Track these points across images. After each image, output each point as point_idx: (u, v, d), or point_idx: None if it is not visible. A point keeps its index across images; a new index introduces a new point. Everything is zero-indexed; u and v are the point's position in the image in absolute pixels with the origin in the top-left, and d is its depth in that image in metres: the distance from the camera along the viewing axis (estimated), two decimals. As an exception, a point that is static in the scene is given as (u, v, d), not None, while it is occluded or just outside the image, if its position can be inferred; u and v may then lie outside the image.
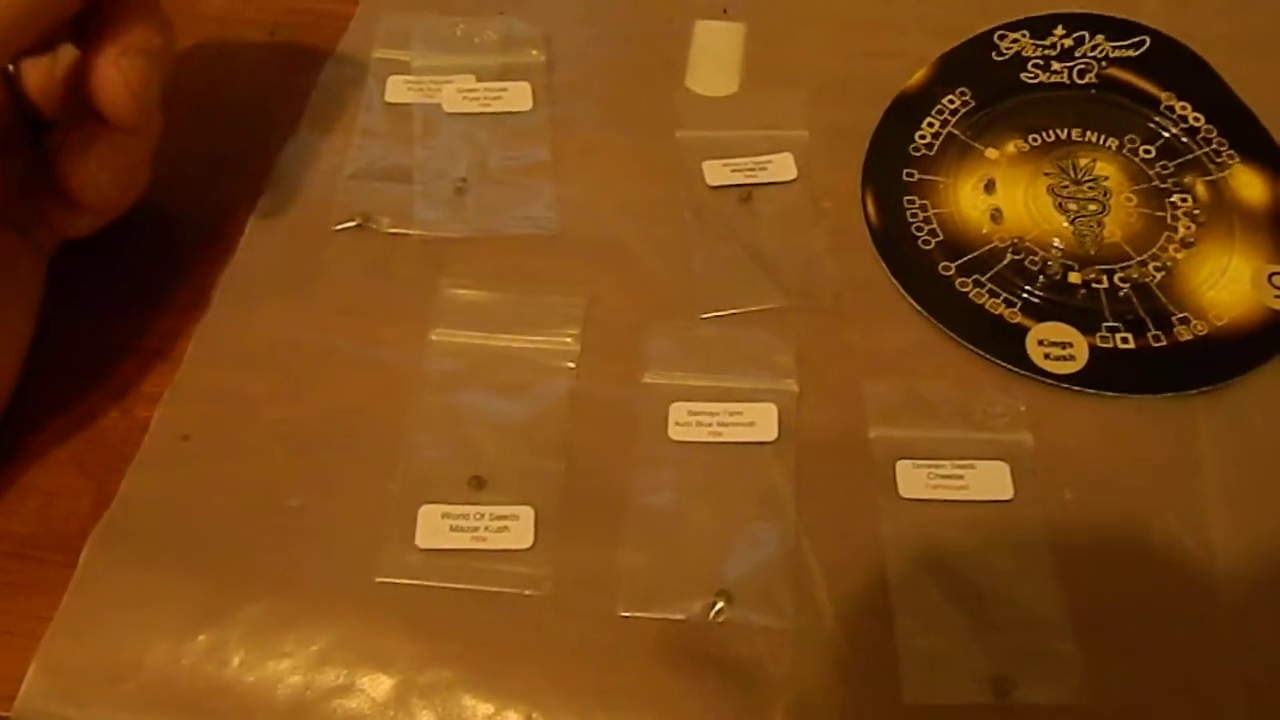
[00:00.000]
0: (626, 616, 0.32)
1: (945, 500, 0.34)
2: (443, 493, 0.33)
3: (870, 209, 0.40)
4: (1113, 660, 0.31)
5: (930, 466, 0.34)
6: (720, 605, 0.31)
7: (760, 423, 0.35)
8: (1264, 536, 0.33)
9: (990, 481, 0.34)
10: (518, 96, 0.42)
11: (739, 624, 0.31)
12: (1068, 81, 0.43)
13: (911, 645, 0.31)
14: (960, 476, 0.34)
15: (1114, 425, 0.35)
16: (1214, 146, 0.41)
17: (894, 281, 0.38)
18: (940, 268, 0.38)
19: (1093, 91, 0.42)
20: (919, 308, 0.37)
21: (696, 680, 0.31)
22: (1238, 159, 0.41)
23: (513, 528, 0.33)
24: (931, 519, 0.33)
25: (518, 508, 0.33)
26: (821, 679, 0.31)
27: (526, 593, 0.32)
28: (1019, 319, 0.37)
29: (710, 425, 0.35)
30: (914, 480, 0.34)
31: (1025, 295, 0.38)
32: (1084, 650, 0.31)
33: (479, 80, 0.42)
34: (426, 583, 0.32)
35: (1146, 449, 0.35)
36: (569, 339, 0.36)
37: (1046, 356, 0.36)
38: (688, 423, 0.35)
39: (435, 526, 0.33)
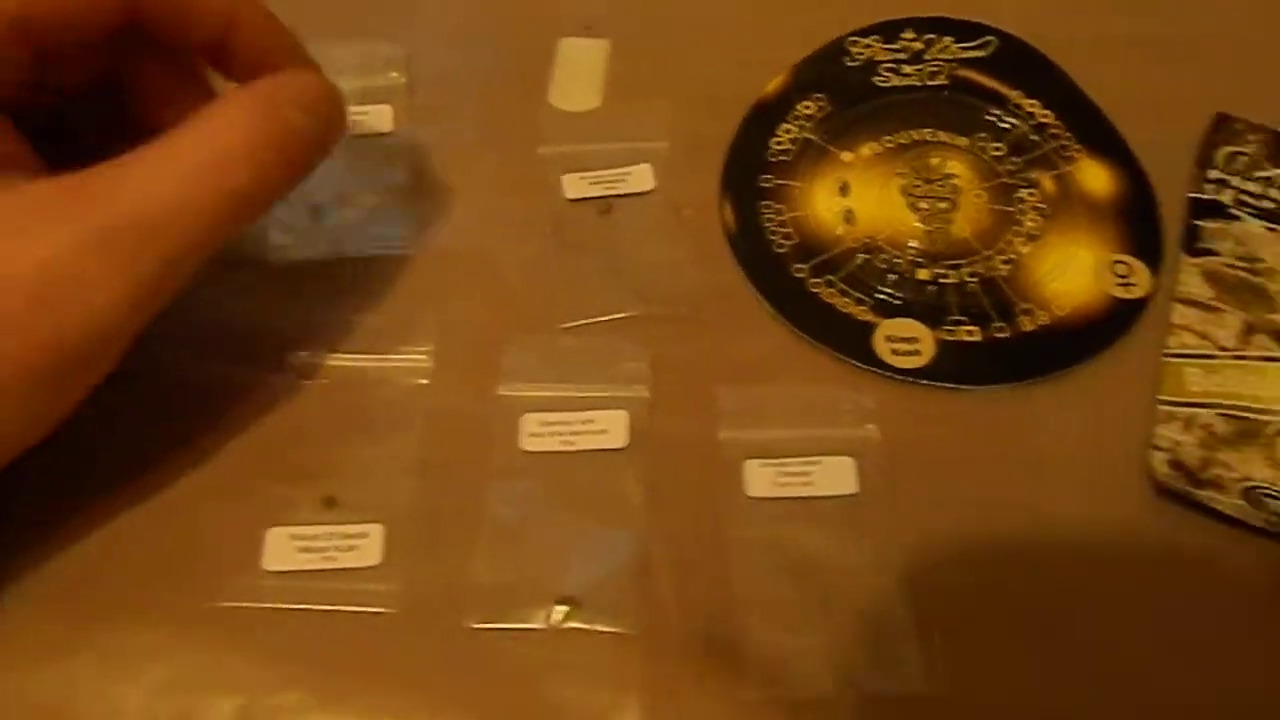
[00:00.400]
0: (477, 628, 0.32)
1: (792, 498, 0.34)
2: (292, 514, 0.33)
3: (728, 216, 0.40)
4: (955, 650, 0.31)
5: (778, 465, 0.35)
6: (567, 613, 0.32)
7: (612, 430, 0.35)
8: (1107, 523, 0.34)
9: (836, 477, 0.34)
10: (378, 119, 0.42)
11: (586, 631, 0.32)
12: (919, 84, 0.44)
13: (757, 642, 0.31)
14: (807, 473, 0.34)
15: (959, 417, 0.36)
16: (1061, 142, 0.42)
17: (750, 285, 0.39)
18: (794, 270, 0.39)
19: (944, 93, 0.43)
20: (773, 310, 0.38)
21: (546, 689, 0.31)
22: (1084, 153, 0.42)
23: (362, 546, 0.33)
24: (778, 516, 0.34)
25: (368, 526, 0.33)
26: (669, 680, 0.31)
27: (376, 610, 0.32)
28: (868, 317, 0.38)
29: (563, 435, 0.35)
30: (761, 479, 0.34)
31: (876, 293, 0.38)
32: (926, 641, 0.31)
33: (340, 104, 0.42)
34: (274, 605, 0.32)
35: (990, 439, 0.36)
36: (422, 356, 0.36)
37: (894, 352, 0.37)
38: (540, 433, 0.35)
39: (283, 548, 0.33)
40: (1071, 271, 0.39)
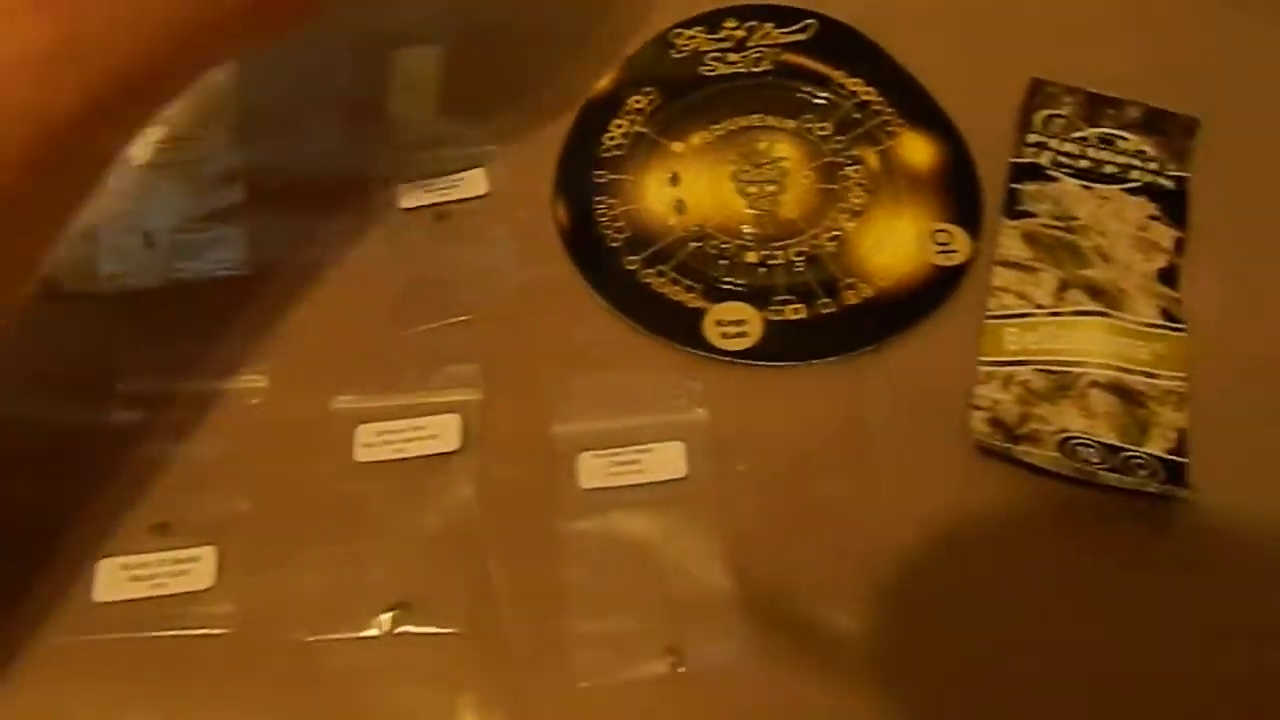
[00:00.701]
0: (312, 641, 0.32)
1: (623, 486, 0.35)
2: (123, 544, 0.33)
3: (561, 214, 0.41)
4: (784, 622, 0.32)
5: (610, 455, 0.35)
6: (397, 617, 0.32)
7: (443, 435, 0.35)
8: (932, 485, 0.35)
9: (666, 462, 0.35)
10: (212, 143, 0.42)
11: (419, 634, 0.32)
12: (745, 71, 0.44)
13: (587, 630, 0.32)
14: (637, 461, 0.35)
15: (786, 394, 0.37)
16: (884, 118, 0.43)
17: (583, 281, 0.39)
18: (626, 263, 0.40)
19: (769, 78, 0.44)
20: (606, 303, 0.39)
21: (381, 695, 0.31)
22: (906, 127, 0.43)
23: (193, 570, 0.33)
24: (611, 505, 0.34)
25: (200, 549, 0.33)
26: (503, 676, 0.32)
27: (210, 632, 0.32)
28: (699, 303, 0.39)
29: (395, 443, 0.35)
30: (594, 470, 0.35)
31: (706, 279, 0.39)
32: (751, 616, 0.32)
33: (171, 130, 0.42)
34: (105, 636, 0.32)
35: (817, 413, 0.36)
36: (257, 377, 0.37)
37: (723, 335, 0.38)
38: (374, 443, 0.35)
39: (114, 579, 0.33)
40: (894, 243, 0.40)
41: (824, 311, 0.38)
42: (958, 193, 0.41)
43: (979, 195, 0.41)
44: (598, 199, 0.41)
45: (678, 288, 0.39)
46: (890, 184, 0.41)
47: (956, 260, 0.39)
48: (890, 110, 0.43)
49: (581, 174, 0.42)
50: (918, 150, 0.42)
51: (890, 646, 0.32)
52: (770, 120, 0.43)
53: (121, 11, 0.28)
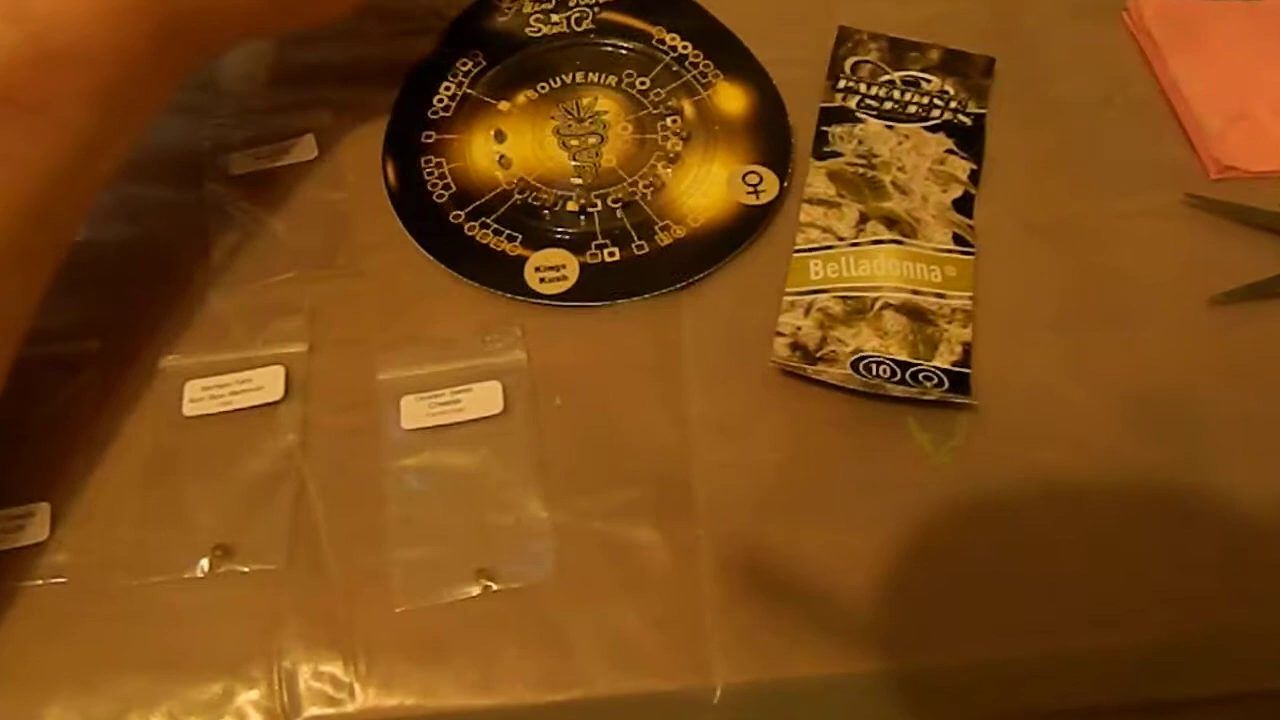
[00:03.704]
0: (136, 584, 0.33)
1: (443, 425, 0.36)
2: (-43, 508, 0.34)
3: (390, 174, 0.42)
4: (586, 542, 0.34)
5: (431, 397, 0.37)
6: (219, 558, 0.34)
7: (268, 386, 0.37)
8: (729, 410, 0.37)
9: (484, 401, 0.37)
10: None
11: (238, 572, 0.34)
12: (568, 30, 0.46)
13: (401, 558, 0.34)
14: (458, 401, 0.37)
15: (602, 332, 0.39)
16: (700, 69, 0.45)
17: (410, 237, 0.41)
18: (451, 217, 0.41)
19: (591, 36, 0.46)
20: (431, 257, 0.40)
21: (203, 630, 0.33)
22: (721, 77, 0.45)
23: (29, 525, 0.34)
24: (431, 443, 0.36)
25: (34, 505, 0.34)
26: (322, 605, 0.33)
27: (48, 582, 0.33)
28: (519, 251, 0.40)
29: (221, 396, 0.37)
30: (416, 412, 0.37)
31: (528, 229, 0.41)
32: (561, 537, 0.34)
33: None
34: (-60, 594, 0.33)
35: (632, 347, 0.38)
36: (88, 341, 0.38)
37: (542, 280, 0.40)
38: (200, 398, 0.37)
39: (-53, 541, 0.34)
40: (705, 186, 0.42)
41: (638, 253, 0.40)
42: (769, 137, 0.43)
43: (789, 139, 0.43)
44: (425, 159, 0.43)
45: (500, 238, 0.41)
46: (705, 132, 0.43)
47: (765, 199, 0.42)
48: (706, 62, 0.45)
49: (410, 136, 0.44)
50: (732, 99, 0.44)
51: (690, 555, 0.34)
52: (593, 77, 0.45)
53: None
